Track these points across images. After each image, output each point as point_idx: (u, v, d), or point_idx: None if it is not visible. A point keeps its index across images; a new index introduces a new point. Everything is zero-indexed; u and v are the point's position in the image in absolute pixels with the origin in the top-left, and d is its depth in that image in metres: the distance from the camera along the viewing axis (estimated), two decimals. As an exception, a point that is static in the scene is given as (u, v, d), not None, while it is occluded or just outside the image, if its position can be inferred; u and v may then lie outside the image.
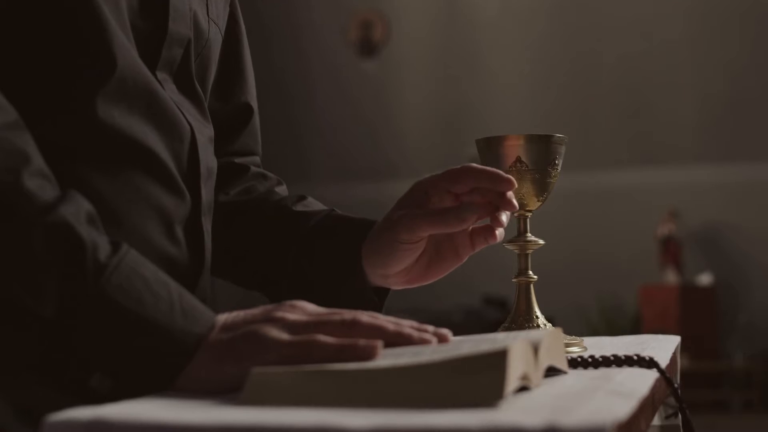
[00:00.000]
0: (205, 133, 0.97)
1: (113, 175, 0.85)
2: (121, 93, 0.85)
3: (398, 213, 0.99)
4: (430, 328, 0.77)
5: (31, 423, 0.80)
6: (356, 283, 1.04)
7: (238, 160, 1.17)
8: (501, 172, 0.95)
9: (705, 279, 7.33)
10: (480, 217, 0.96)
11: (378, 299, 1.06)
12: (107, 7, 0.84)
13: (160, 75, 0.92)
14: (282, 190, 1.19)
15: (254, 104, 1.19)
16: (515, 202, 0.95)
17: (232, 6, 1.14)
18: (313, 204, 1.14)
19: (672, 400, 0.95)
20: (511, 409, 0.58)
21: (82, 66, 0.84)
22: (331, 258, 1.05)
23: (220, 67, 1.11)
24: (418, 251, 1.01)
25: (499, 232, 0.98)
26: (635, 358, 0.83)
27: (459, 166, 0.97)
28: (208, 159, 0.97)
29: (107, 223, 0.78)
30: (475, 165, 0.96)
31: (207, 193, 0.97)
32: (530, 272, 1.02)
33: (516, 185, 0.95)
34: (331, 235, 1.07)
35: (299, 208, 1.12)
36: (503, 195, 0.95)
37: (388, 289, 1.08)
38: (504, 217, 0.97)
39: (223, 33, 1.08)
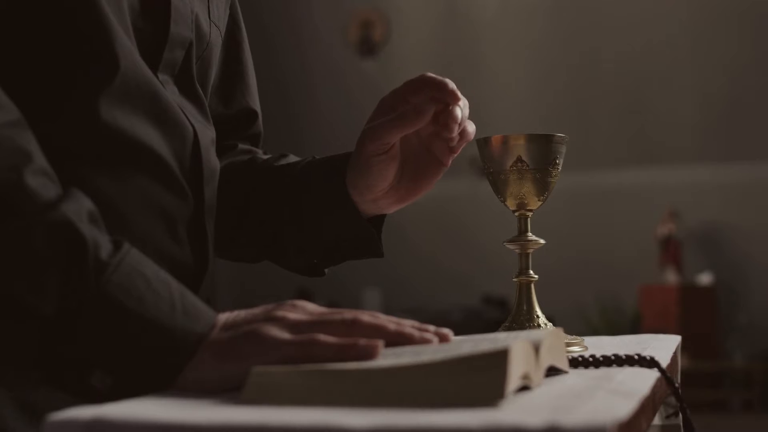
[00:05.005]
0: (207, 134, 0.97)
1: (116, 176, 0.85)
2: (124, 94, 0.85)
3: (364, 128, 1.01)
4: (431, 327, 0.77)
5: (32, 421, 0.80)
6: (348, 214, 1.05)
7: (226, 142, 1.17)
8: (449, 84, 0.96)
9: (705, 279, 7.33)
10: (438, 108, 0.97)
11: (375, 228, 1.08)
12: (110, 9, 0.84)
13: (161, 76, 0.92)
14: (266, 156, 1.20)
15: (257, 108, 1.19)
16: (458, 113, 0.96)
17: (232, 9, 1.14)
18: (294, 158, 1.16)
19: (672, 400, 0.95)
20: (512, 409, 0.58)
21: (84, 67, 0.84)
22: (321, 195, 1.07)
23: (220, 70, 1.11)
24: (392, 161, 1.01)
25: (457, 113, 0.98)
26: (636, 357, 0.83)
27: (417, 76, 0.98)
28: (210, 160, 0.97)
29: (110, 224, 0.78)
30: (430, 75, 0.97)
31: (209, 193, 0.97)
32: (531, 272, 1.02)
33: (460, 99, 0.97)
34: (316, 175, 1.09)
35: (282, 162, 1.14)
36: (450, 107, 0.96)
37: (383, 218, 1.10)
38: (457, 111, 0.97)
39: (223, 36, 1.09)
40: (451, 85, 0.96)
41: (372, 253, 1.10)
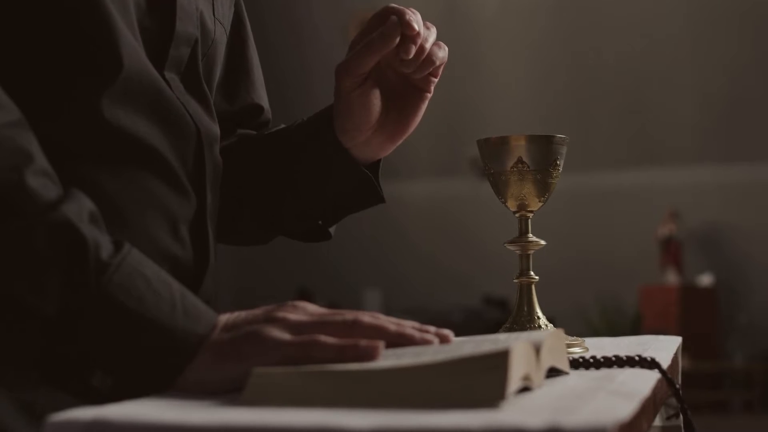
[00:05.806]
0: (211, 132, 0.97)
1: (118, 175, 0.85)
2: (127, 93, 0.85)
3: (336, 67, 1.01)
4: (432, 328, 0.77)
5: (32, 421, 0.80)
6: (344, 163, 1.06)
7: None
8: (407, 14, 0.96)
9: (705, 279, 7.33)
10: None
11: (371, 174, 1.08)
12: (114, 8, 0.84)
13: (168, 75, 0.92)
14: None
15: (263, 102, 1.19)
16: (410, 48, 0.96)
17: (237, 6, 1.14)
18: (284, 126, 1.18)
19: (673, 401, 0.95)
20: (513, 410, 0.58)
21: (88, 66, 0.84)
22: (314, 152, 1.08)
23: (225, 68, 1.12)
24: (371, 93, 1.02)
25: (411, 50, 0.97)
26: (637, 358, 0.83)
27: (381, 9, 0.99)
28: (213, 159, 0.97)
29: (112, 223, 0.78)
30: (393, 5, 0.98)
31: (212, 192, 0.97)
32: (531, 273, 1.02)
33: (416, 31, 0.96)
34: (305, 135, 1.10)
35: (273, 130, 1.16)
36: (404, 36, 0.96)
37: (378, 163, 1.10)
38: (410, 46, 0.97)
39: (228, 33, 1.09)
40: (409, 15, 0.96)
41: (373, 200, 1.10)
